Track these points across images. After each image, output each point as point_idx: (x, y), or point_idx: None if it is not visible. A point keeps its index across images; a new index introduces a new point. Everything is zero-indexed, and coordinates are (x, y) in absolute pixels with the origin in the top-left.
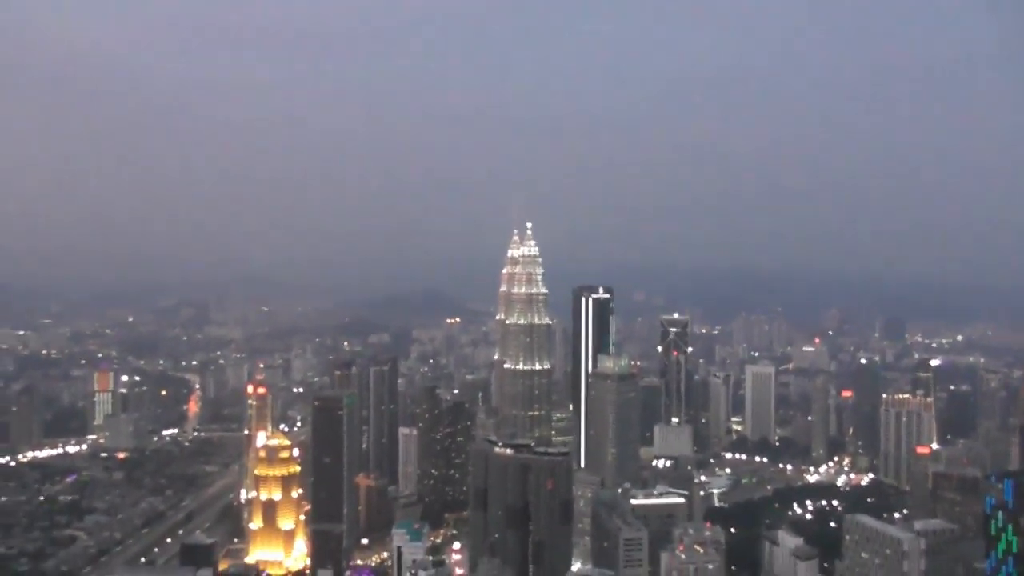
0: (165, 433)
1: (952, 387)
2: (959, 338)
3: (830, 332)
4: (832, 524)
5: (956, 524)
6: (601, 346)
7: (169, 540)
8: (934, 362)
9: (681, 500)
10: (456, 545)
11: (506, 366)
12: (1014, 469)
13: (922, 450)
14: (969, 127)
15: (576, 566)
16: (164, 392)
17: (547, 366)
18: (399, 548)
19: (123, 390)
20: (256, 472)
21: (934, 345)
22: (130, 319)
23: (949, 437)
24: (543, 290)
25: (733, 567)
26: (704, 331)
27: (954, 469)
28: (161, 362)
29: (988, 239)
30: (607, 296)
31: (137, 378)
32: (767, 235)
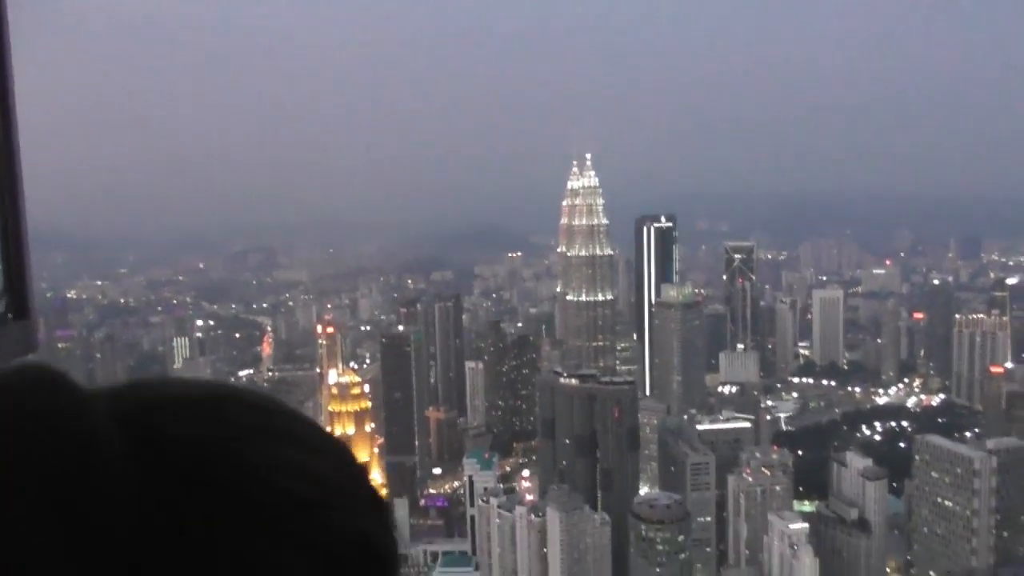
0: (241, 374)
1: None
2: None
3: (901, 254)
4: (901, 445)
5: None
6: (664, 275)
7: None
8: (1011, 280)
9: (747, 424)
10: (526, 473)
11: (569, 298)
12: None
13: (996, 369)
14: None
15: (643, 491)
16: (238, 335)
17: (610, 297)
18: (470, 477)
19: (199, 335)
20: (329, 408)
21: (1011, 263)
22: (201, 265)
23: None
24: (604, 221)
25: (800, 488)
26: (770, 257)
27: None
28: (233, 306)
29: None
30: (669, 225)
31: (211, 322)
32: (833, 157)
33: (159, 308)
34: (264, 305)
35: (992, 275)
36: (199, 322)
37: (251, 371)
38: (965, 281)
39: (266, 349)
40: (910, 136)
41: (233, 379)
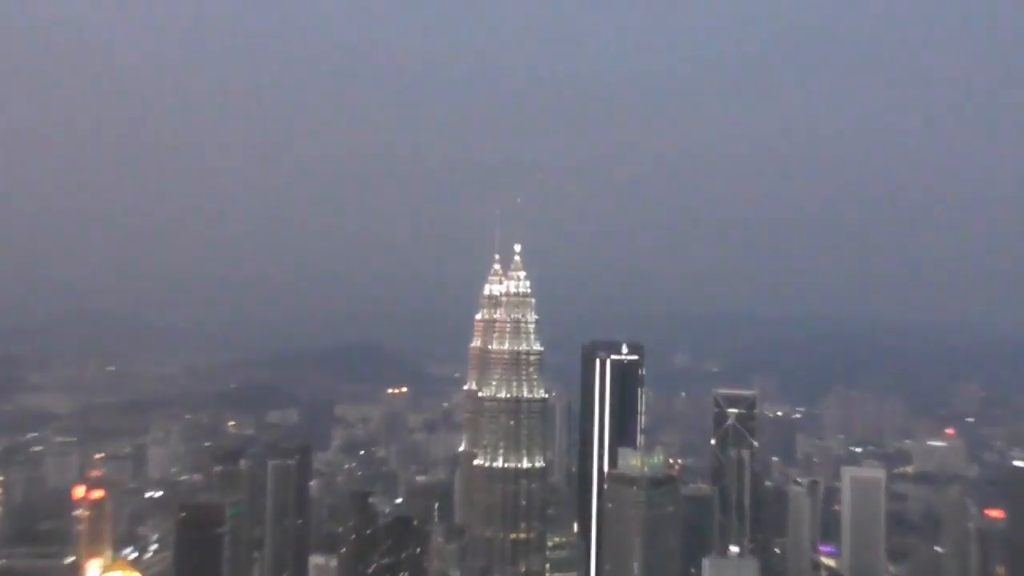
0: None
1: None
2: None
3: (969, 418)
4: None
5: None
6: (624, 434)
7: None
8: None
9: None
10: None
11: (478, 463)
12: None
13: None
14: None
15: None
16: None
17: (540, 463)
18: None
19: None
20: None
21: None
22: None
23: None
24: (536, 347)
25: None
26: (780, 415)
27: None
28: None
29: None
30: (634, 358)
31: None
32: (871, 273)
33: None
34: None
35: None
36: None
37: None
38: None
39: None
40: (980, 248)
41: None
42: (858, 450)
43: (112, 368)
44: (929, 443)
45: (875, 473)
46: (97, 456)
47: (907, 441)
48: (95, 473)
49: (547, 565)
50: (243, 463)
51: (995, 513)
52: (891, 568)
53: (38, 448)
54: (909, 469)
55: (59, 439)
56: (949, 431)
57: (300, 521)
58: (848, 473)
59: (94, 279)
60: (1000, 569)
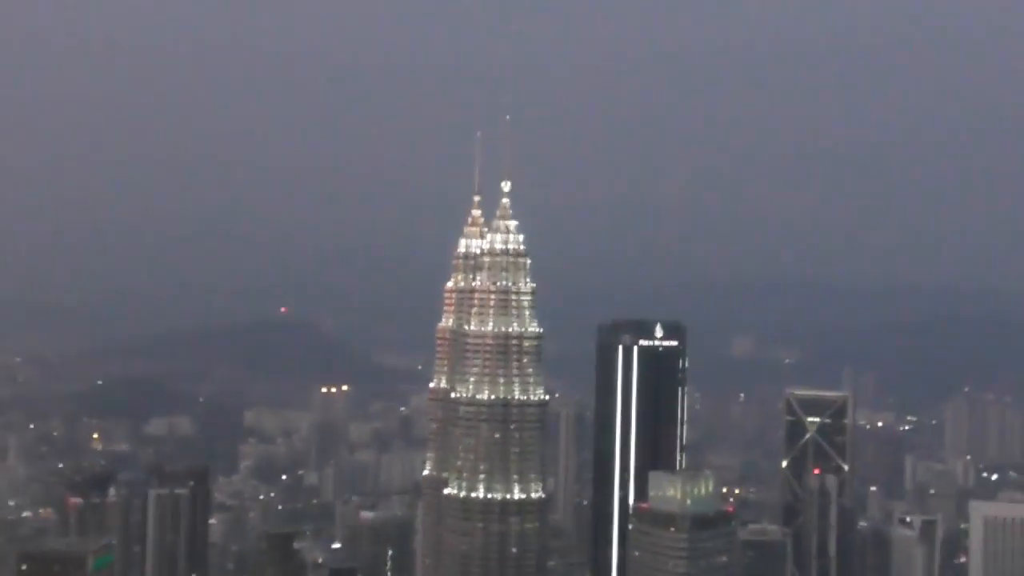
0: None
1: None
2: None
3: None
4: None
5: None
6: (659, 453)
7: None
8: None
9: None
10: None
11: (449, 492)
12: None
13: None
14: None
15: None
16: None
17: (539, 494)
18: None
19: None
20: None
21: None
22: None
23: None
24: (534, 328)
25: None
26: (880, 425)
27: None
28: None
29: None
30: (673, 344)
31: None
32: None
33: None
34: None
35: None
36: None
37: None
38: None
39: None
40: None
41: None
42: (994, 477)
43: None
44: None
45: (1018, 510)
46: None
47: None
48: None
49: None
50: (113, 493)
51: None
52: None
53: None
54: None
55: None
56: None
57: (195, 574)
58: (979, 510)
59: None
60: None
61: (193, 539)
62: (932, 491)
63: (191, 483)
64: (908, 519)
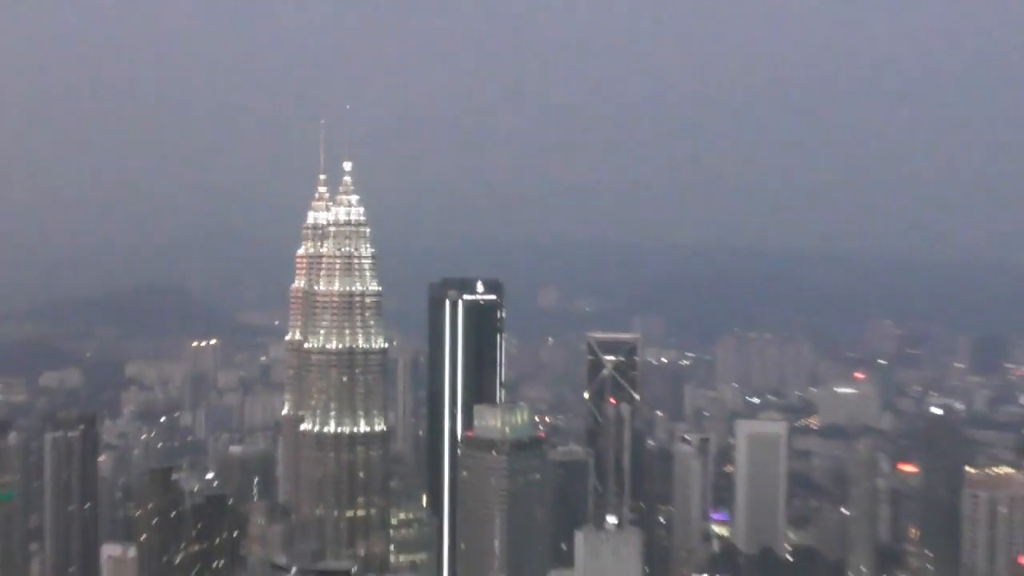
0: None
1: None
2: None
3: (881, 361)
4: None
5: None
6: (481, 390)
7: None
8: None
9: None
10: None
11: (304, 428)
12: None
13: None
14: None
15: None
16: None
17: (381, 427)
18: None
19: None
20: None
21: None
22: None
23: None
24: (374, 286)
25: None
26: (665, 361)
27: None
28: None
29: None
30: (492, 298)
31: None
32: (769, 197)
33: None
34: None
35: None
36: None
37: None
38: (983, 408)
39: None
40: (893, 175)
41: None
42: (755, 401)
43: None
44: (836, 390)
45: (775, 427)
46: None
47: (811, 389)
48: None
49: (392, 546)
50: (13, 437)
51: (909, 468)
52: (791, 535)
53: None
54: (813, 421)
55: None
56: (859, 376)
57: (88, 505)
58: (744, 428)
59: None
60: (913, 531)
61: (84, 475)
62: (706, 413)
63: (81, 427)
64: (687, 437)
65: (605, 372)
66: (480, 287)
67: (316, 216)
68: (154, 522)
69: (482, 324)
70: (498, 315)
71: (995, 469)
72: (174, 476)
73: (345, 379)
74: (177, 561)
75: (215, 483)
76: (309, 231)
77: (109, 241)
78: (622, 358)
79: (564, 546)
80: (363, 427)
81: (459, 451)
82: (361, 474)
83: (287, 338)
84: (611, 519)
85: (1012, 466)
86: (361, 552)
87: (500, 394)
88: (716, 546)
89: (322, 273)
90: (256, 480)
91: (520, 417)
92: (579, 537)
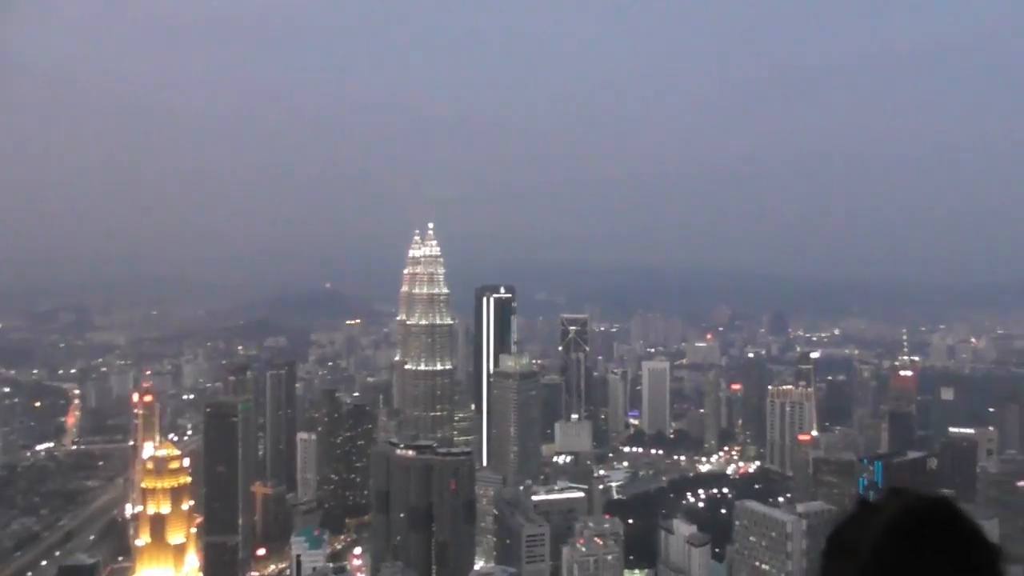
0: (40, 447)
1: (830, 378)
2: (836, 331)
3: (721, 328)
4: (723, 511)
5: (834, 505)
6: (503, 345)
7: (45, 563)
8: (814, 355)
9: (581, 495)
10: (357, 550)
11: (407, 367)
12: (883, 452)
13: (803, 438)
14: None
15: (479, 564)
16: (38, 403)
17: (449, 366)
18: (298, 556)
19: None
20: (143, 485)
21: (814, 338)
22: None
23: (828, 424)
24: (445, 290)
25: (632, 557)
26: (603, 329)
27: (832, 454)
28: (35, 371)
29: (861, 237)
30: (508, 296)
31: (7, 389)
32: (662, 230)
33: None
34: (73, 371)
35: (798, 349)
36: None
37: (51, 444)
38: (776, 354)
39: (71, 419)
40: (730, 214)
41: (29, 453)
42: (652, 351)
43: (155, 312)
44: (697, 344)
45: (662, 365)
46: (147, 372)
47: (683, 344)
48: (146, 384)
49: (455, 432)
50: (249, 374)
51: (736, 387)
52: (673, 424)
53: (105, 369)
54: (684, 362)
55: (120, 362)
56: (709, 336)
57: (289, 410)
58: (646, 366)
59: (145, 250)
60: (739, 422)
61: (288, 394)
62: (626, 358)
63: (286, 368)
64: (616, 371)
65: (570, 336)
66: (502, 290)
67: (413, 252)
68: (326, 420)
69: (503, 310)
70: (512, 305)
71: (782, 387)
72: (336, 395)
73: (429, 340)
74: (338, 441)
75: (359, 399)
76: (410, 259)
77: (304, 257)
78: (579, 328)
79: (549, 431)
80: (439, 366)
81: (491, 379)
82: (438, 392)
83: (398, 318)
84: (574, 416)
85: (792, 385)
86: (438, 435)
87: (513, 348)
88: (632, 430)
89: (417, 283)
90: (381, 397)
91: (524, 361)
92: (557, 427)
